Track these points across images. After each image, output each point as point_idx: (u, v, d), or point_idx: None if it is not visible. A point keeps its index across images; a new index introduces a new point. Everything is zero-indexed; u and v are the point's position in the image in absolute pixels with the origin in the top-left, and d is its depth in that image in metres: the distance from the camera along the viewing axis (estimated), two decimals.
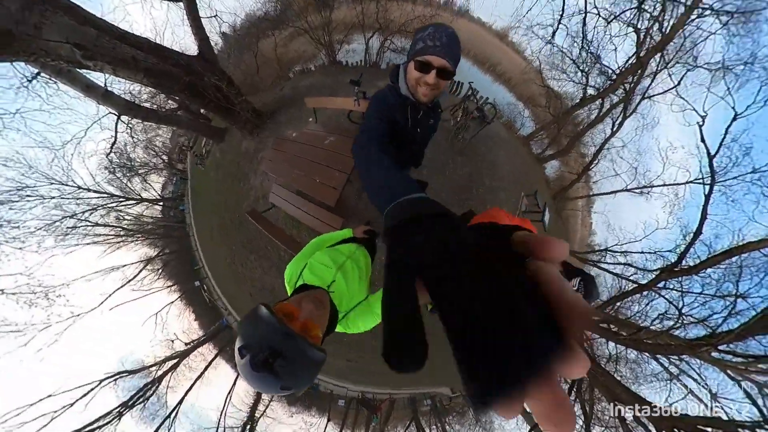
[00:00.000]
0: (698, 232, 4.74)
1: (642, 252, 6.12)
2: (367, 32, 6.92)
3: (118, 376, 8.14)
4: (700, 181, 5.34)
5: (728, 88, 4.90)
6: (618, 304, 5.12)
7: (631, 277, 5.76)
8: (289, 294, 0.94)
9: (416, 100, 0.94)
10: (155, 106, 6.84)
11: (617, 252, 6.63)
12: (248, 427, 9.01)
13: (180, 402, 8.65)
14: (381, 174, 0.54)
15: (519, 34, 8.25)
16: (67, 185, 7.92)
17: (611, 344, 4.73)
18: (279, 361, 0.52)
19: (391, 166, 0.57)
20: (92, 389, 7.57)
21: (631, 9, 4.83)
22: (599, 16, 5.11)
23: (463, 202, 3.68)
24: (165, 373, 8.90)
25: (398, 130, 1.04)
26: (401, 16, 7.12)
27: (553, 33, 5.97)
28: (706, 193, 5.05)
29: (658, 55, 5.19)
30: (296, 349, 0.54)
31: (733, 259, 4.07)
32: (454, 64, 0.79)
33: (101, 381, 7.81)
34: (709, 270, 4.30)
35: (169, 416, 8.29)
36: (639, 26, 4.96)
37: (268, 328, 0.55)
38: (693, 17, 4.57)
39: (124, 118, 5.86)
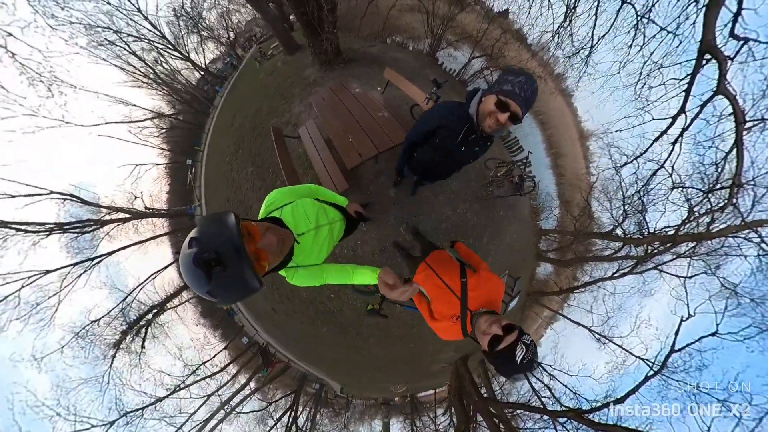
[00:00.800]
0: (620, 401, 4.93)
1: (565, 386, 6.35)
2: (477, 50, 6.84)
3: (69, 198, 7.86)
4: (650, 363, 5.58)
5: (725, 309, 5.07)
6: (519, 411, 5.28)
7: (542, 398, 5.95)
8: (260, 216, 0.93)
9: (478, 124, 1.05)
10: None
11: (546, 371, 6.82)
12: (155, 311, 8.97)
13: (110, 253, 8.51)
14: (404, 154, 1.53)
15: (597, 144, 8.30)
16: (129, 0, 7.63)
17: None
18: (218, 269, 0.52)
19: (407, 155, 1.53)
20: (39, 194, 7.28)
21: (699, 191, 4.89)
22: (670, 177, 5.16)
23: (453, 237, 3.79)
24: (112, 221, 8.70)
25: (444, 136, 1.15)
26: (514, 57, 7.05)
27: (624, 164, 6.01)
28: (648, 375, 5.31)
29: (693, 243, 5.31)
30: (238, 267, 0.53)
31: None
32: (525, 114, 0.91)
33: (51, 192, 7.51)
34: None
35: (92, 259, 8.13)
36: (694, 209, 5.05)
37: (225, 236, 0.53)
38: (741, 234, 4.67)
39: None
